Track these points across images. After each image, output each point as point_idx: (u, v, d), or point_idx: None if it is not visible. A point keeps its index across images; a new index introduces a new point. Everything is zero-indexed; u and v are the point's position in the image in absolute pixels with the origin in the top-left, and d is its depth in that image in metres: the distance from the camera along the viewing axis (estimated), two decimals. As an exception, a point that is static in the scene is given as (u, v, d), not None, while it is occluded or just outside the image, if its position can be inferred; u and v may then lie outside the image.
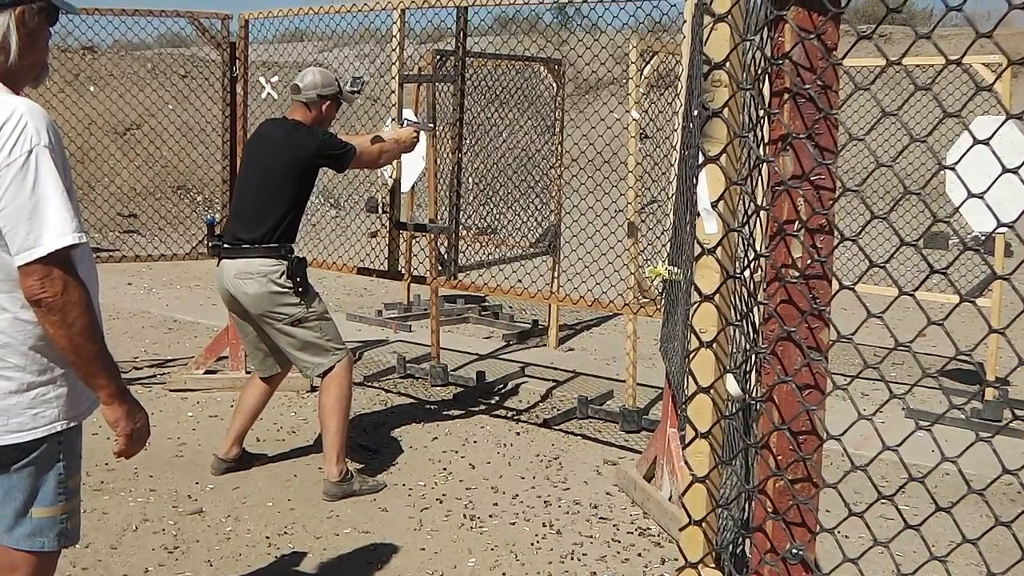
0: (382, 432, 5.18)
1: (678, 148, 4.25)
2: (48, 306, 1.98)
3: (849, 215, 5.16)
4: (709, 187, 1.37)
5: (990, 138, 1.07)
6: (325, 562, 3.66)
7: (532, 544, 3.85)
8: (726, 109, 1.33)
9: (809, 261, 1.23)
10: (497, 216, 7.07)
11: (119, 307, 8.09)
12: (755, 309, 1.41)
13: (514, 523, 4.05)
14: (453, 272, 5.20)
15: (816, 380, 1.25)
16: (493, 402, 5.81)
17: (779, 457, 1.27)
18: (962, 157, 1.16)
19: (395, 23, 5.07)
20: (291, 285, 4.20)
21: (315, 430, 4.92)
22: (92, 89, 10.55)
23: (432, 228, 5.45)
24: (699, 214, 1.39)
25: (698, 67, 3.39)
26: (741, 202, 1.46)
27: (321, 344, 4.26)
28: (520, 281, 5.24)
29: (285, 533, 3.88)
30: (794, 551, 1.27)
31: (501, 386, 6.10)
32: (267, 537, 3.84)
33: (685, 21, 4.27)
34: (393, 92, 5.12)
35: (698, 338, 1.38)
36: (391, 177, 5.35)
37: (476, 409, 5.63)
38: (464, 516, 4.10)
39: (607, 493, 4.42)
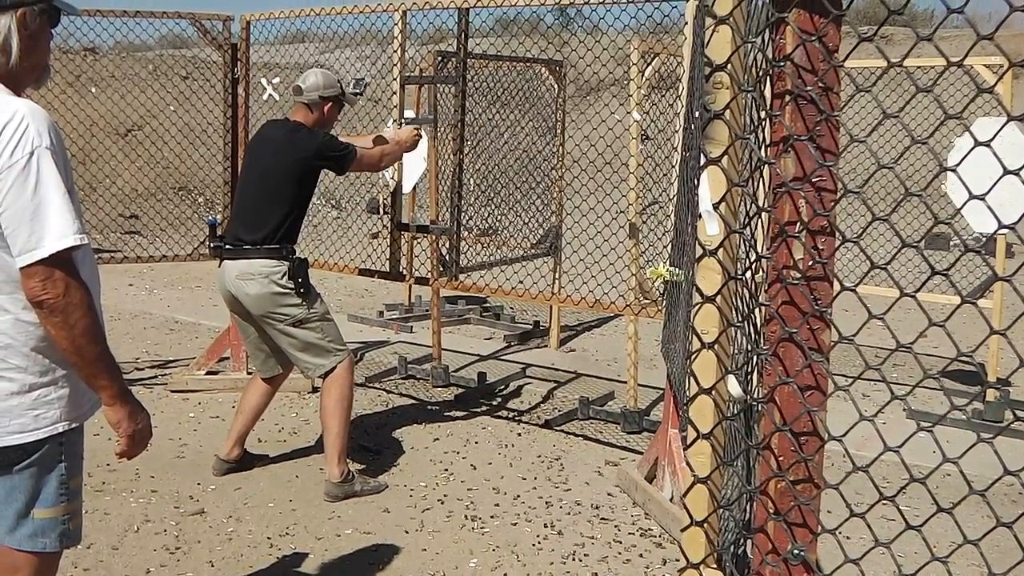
0: (383, 433, 5.18)
1: (679, 149, 4.26)
2: (50, 308, 1.98)
3: (851, 216, 5.16)
4: (711, 189, 1.37)
5: (991, 140, 1.07)
6: (327, 563, 3.66)
7: (533, 545, 3.85)
8: (727, 111, 1.33)
9: (810, 262, 1.23)
10: (498, 217, 7.07)
11: (120, 308, 8.09)
12: (756, 310, 1.41)
13: (515, 524, 4.05)
14: (454, 273, 5.20)
15: (817, 381, 1.25)
16: (494, 403, 5.81)
17: (780, 458, 1.28)
18: (963, 159, 1.17)
19: (396, 25, 5.08)
20: (292, 286, 4.20)
21: (316, 431, 4.92)
22: (94, 90, 10.56)
23: (433, 229, 5.45)
24: (700, 215, 1.39)
25: (699, 69, 3.39)
26: (742, 204, 1.47)
27: (323, 345, 4.26)
28: (521, 282, 5.24)
29: (287, 534, 3.88)
30: (795, 552, 1.27)
31: (502, 387, 6.10)
32: (268, 538, 3.84)
33: (686, 23, 4.27)
34: (395, 94, 5.12)
35: (700, 339, 1.38)
36: (392, 179, 5.35)
37: (477, 410, 5.64)
38: (465, 517, 4.10)
39: (608, 494, 4.42)
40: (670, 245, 4.41)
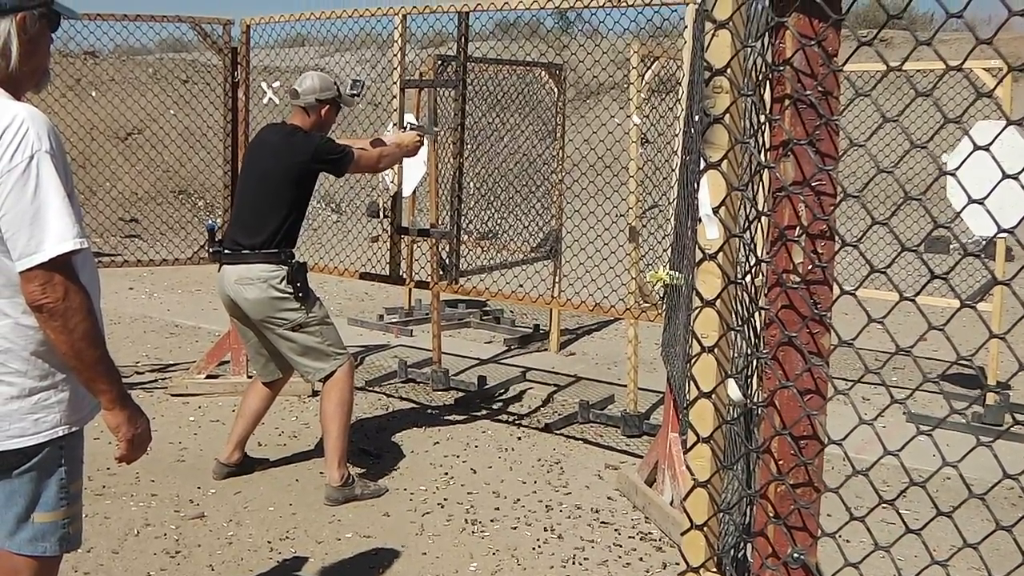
0: (383, 436, 5.18)
1: (679, 153, 4.26)
2: (49, 312, 1.98)
3: (850, 220, 5.16)
4: (710, 193, 1.37)
5: (991, 143, 1.07)
6: (327, 566, 3.66)
7: (534, 549, 3.85)
8: (727, 115, 1.33)
9: (810, 266, 1.23)
10: (498, 221, 7.08)
11: (120, 312, 8.10)
12: (756, 314, 1.41)
13: (515, 528, 4.05)
14: (454, 277, 5.20)
15: (817, 385, 1.25)
16: (494, 407, 5.81)
17: (780, 462, 1.28)
18: (962, 163, 1.17)
19: (396, 28, 5.08)
20: (291, 290, 4.20)
21: (316, 434, 4.92)
22: (94, 94, 10.57)
23: (433, 233, 5.46)
24: (700, 219, 1.40)
25: (699, 73, 3.39)
26: (742, 208, 1.47)
27: (322, 349, 4.26)
28: (521, 286, 5.25)
29: (287, 537, 3.88)
30: (795, 555, 1.27)
31: (502, 391, 6.10)
32: (269, 541, 3.84)
33: (686, 27, 4.27)
34: (394, 97, 5.13)
35: (700, 343, 1.39)
36: (392, 182, 5.35)
37: (477, 414, 5.63)
38: (465, 520, 4.10)
39: (608, 498, 4.41)
40: (670, 249, 4.41)
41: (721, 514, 1.45)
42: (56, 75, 3.51)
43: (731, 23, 1.31)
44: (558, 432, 5.33)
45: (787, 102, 1.23)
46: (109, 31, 6.05)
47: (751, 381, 1.46)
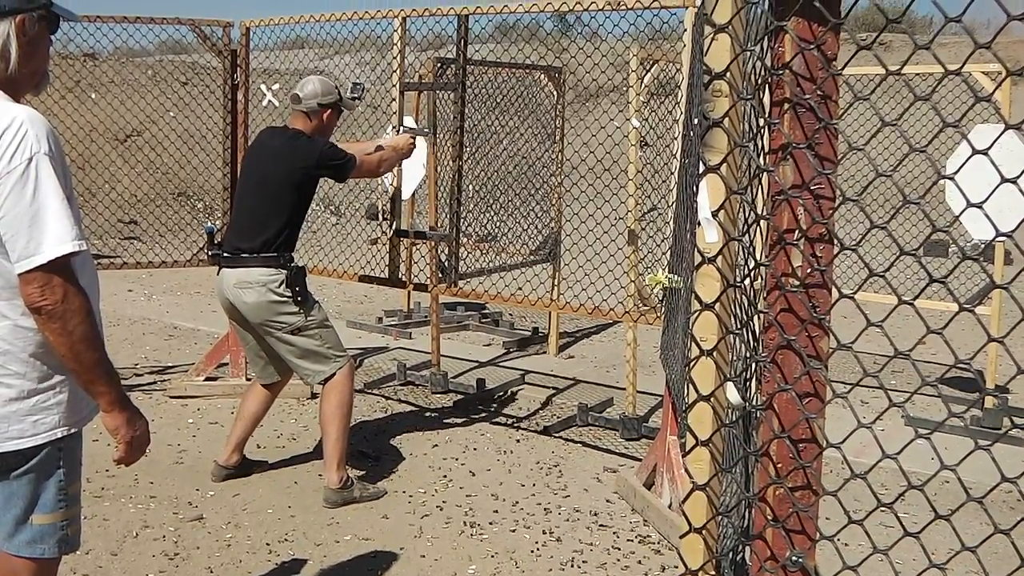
0: (382, 439, 5.18)
1: (678, 156, 4.26)
2: (48, 314, 1.98)
3: (849, 223, 5.16)
4: (710, 196, 1.37)
5: (989, 147, 1.07)
6: (325, 569, 3.65)
7: (532, 551, 3.85)
8: (727, 119, 1.33)
9: (809, 270, 1.23)
10: (497, 224, 7.08)
11: (119, 314, 8.09)
12: (755, 318, 1.41)
13: (514, 530, 4.05)
14: (453, 279, 5.20)
15: (816, 388, 1.26)
16: (493, 409, 5.81)
17: (779, 465, 1.28)
18: (961, 167, 1.17)
19: (396, 31, 5.08)
20: (290, 294, 4.20)
21: (315, 437, 4.92)
22: (93, 96, 10.57)
23: (432, 235, 5.46)
24: (699, 223, 1.40)
25: (698, 76, 3.40)
26: (741, 211, 1.47)
27: (322, 352, 4.26)
28: (520, 288, 5.25)
29: (285, 540, 3.88)
30: (794, 558, 1.27)
31: (501, 393, 6.10)
32: (267, 544, 3.84)
33: (685, 30, 4.28)
34: (394, 100, 5.13)
35: (699, 346, 1.39)
36: (392, 185, 5.35)
37: (476, 416, 5.63)
38: (464, 523, 4.10)
39: (607, 500, 4.41)
40: (669, 252, 4.41)
41: (720, 517, 1.45)
42: (55, 77, 3.51)
43: (730, 27, 1.31)
44: (557, 435, 5.33)
45: (786, 106, 1.23)
46: (109, 33, 6.05)
47: (750, 384, 1.46)
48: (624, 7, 4.29)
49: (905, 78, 1.10)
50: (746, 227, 1.45)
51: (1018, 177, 1.01)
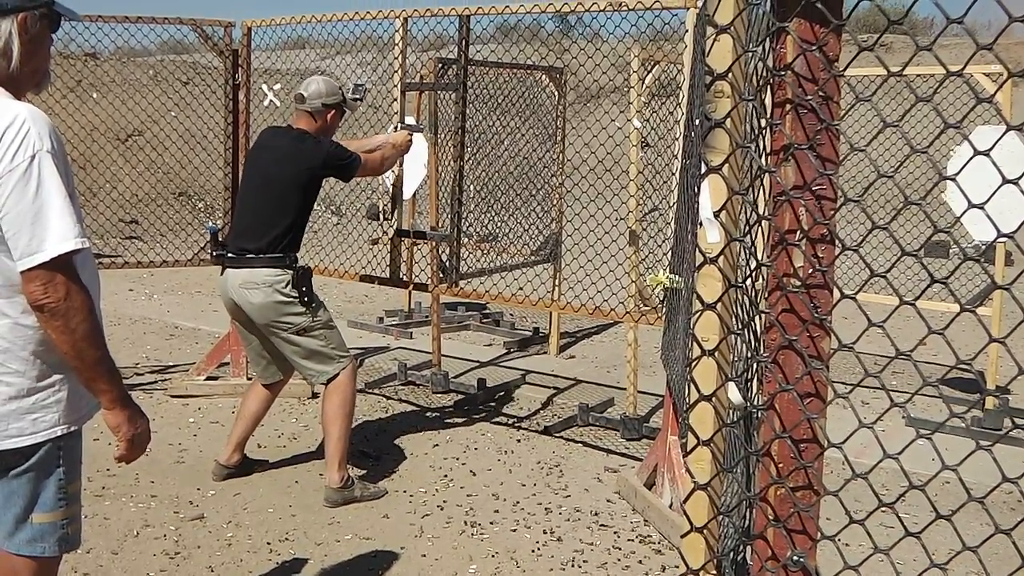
0: (383, 439, 5.18)
1: (679, 157, 4.26)
2: (51, 311, 1.98)
3: (850, 224, 5.16)
4: (711, 197, 1.37)
5: (990, 149, 1.07)
6: (326, 568, 3.66)
7: (533, 551, 3.85)
8: (728, 119, 1.33)
9: (810, 270, 1.24)
10: (498, 224, 7.08)
11: (120, 313, 8.10)
12: (757, 318, 1.41)
13: (515, 530, 4.05)
14: (454, 279, 5.20)
15: (817, 388, 1.26)
16: (494, 409, 5.81)
17: (780, 465, 1.28)
18: (962, 168, 1.17)
19: (397, 31, 5.09)
20: (296, 295, 4.20)
21: (316, 436, 4.92)
22: (95, 95, 10.58)
23: (433, 236, 5.46)
24: (701, 223, 1.40)
25: (700, 77, 3.40)
26: (743, 212, 1.47)
27: (326, 352, 4.26)
28: (521, 289, 5.25)
29: (286, 539, 3.88)
30: (795, 558, 1.27)
31: (502, 393, 6.10)
32: (268, 543, 3.84)
33: (687, 31, 4.28)
34: (395, 100, 5.13)
35: (700, 346, 1.39)
36: (391, 183, 5.36)
37: (477, 416, 5.64)
38: (465, 523, 4.10)
39: (608, 500, 4.42)
40: (670, 252, 4.41)
41: (721, 517, 1.45)
42: (57, 76, 3.51)
43: (732, 28, 1.31)
44: (558, 435, 5.33)
45: (788, 106, 1.24)
46: (110, 33, 6.05)
47: (751, 384, 1.47)
48: (625, 8, 4.29)
49: (906, 79, 1.10)
50: (748, 227, 1.45)
51: (1019, 178, 1.01)
